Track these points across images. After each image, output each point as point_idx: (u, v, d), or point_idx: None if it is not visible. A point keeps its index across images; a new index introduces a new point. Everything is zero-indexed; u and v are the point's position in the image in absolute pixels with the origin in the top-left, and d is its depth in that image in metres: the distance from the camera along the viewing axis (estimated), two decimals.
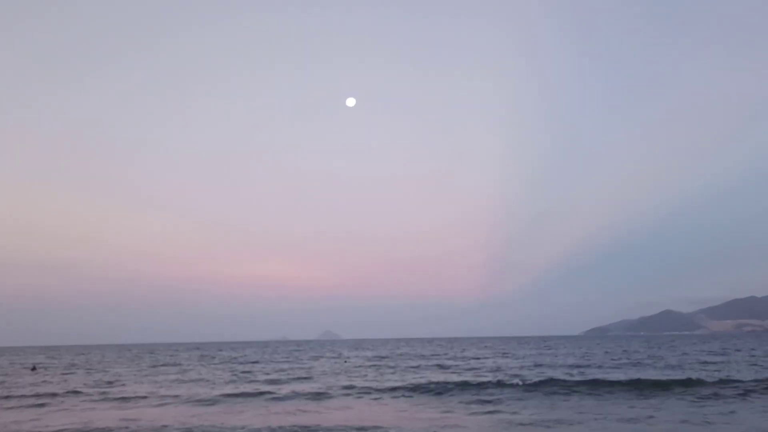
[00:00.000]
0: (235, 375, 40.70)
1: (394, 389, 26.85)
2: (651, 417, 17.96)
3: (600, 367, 40.04)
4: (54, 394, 29.41)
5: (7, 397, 28.28)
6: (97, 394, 28.92)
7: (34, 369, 59.90)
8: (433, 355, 69.99)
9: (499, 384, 27.88)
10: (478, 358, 58.03)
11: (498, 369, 39.82)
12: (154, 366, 56.96)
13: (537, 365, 42.92)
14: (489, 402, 22.38)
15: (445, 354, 72.06)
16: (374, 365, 48.86)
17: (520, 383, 27.56)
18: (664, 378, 28.62)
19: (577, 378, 30.03)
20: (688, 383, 26.34)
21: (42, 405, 24.75)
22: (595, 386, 25.99)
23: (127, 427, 17.40)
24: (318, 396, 25.18)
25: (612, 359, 49.62)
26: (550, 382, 27.68)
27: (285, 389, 28.42)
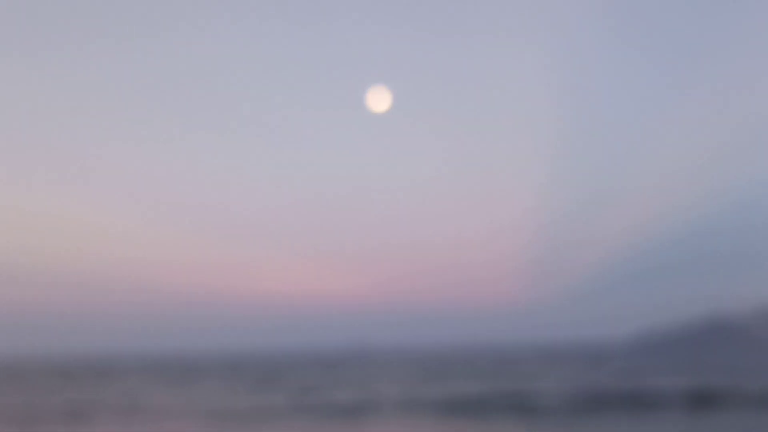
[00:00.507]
0: (262, 386, 40.04)
1: (429, 403, 25.51)
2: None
3: (649, 374, 38.17)
4: (81, 404, 29.05)
5: (33, 409, 27.92)
6: (121, 405, 28.37)
7: (61, 377, 60.29)
8: (471, 362, 68.38)
9: (544, 395, 26.38)
10: (517, 363, 56.41)
11: (543, 377, 38.27)
12: (181, 376, 56.71)
13: (583, 374, 41.23)
14: (534, 415, 20.90)
15: (485, 361, 70.57)
16: (409, 376, 47.61)
17: (566, 395, 26.02)
18: (723, 386, 26.86)
19: (628, 387, 28.35)
20: (747, 393, 24.60)
21: (70, 416, 24.26)
22: (648, 398, 24.35)
23: None
24: (347, 410, 24.09)
25: (663, 367, 47.47)
26: (600, 393, 26.08)
27: (313, 402, 27.49)
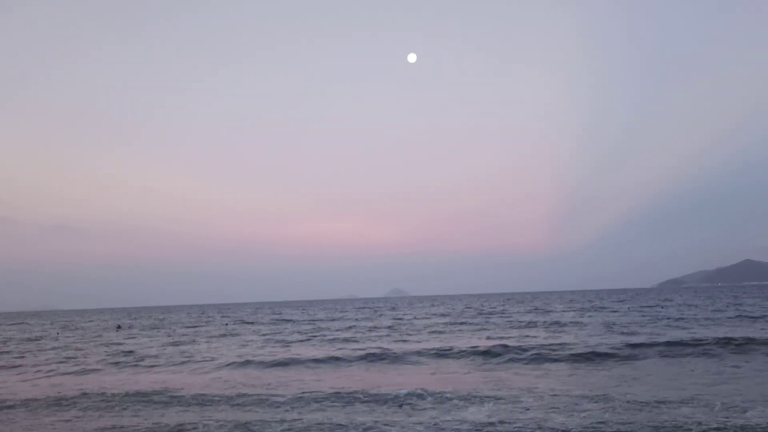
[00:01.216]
0: (302, 335, 41.02)
1: (462, 351, 25.47)
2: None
3: (669, 321, 37.83)
4: (131, 352, 30.65)
5: (86, 356, 29.45)
6: (168, 353, 29.67)
7: (119, 328, 63.00)
8: (502, 311, 68.91)
9: (583, 342, 26.49)
10: (550, 312, 56.62)
11: (578, 323, 38.38)
12: (225, 324, 58.62)
13: (611, 323, 41.00)
14: (580, 364, 21.10)
15: (516, 310, 70.85)
16: (443, 323, 48.28)
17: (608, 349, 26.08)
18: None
19: (658, 339, 28.26)
20: None
21: (120, 363, 25.58)
22: (671, 347, 24.02)
23: (203, 393, 17.31)
24: (379, 357, 24.39)
25: (686, 314, 47.01)
26: (636, 343, 25.98)
27: (351, 350, 28.10)
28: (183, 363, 25.14)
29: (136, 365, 25.23)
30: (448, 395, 14.64)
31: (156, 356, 28.56)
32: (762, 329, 29.78)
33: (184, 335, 45.02)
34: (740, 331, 28.32)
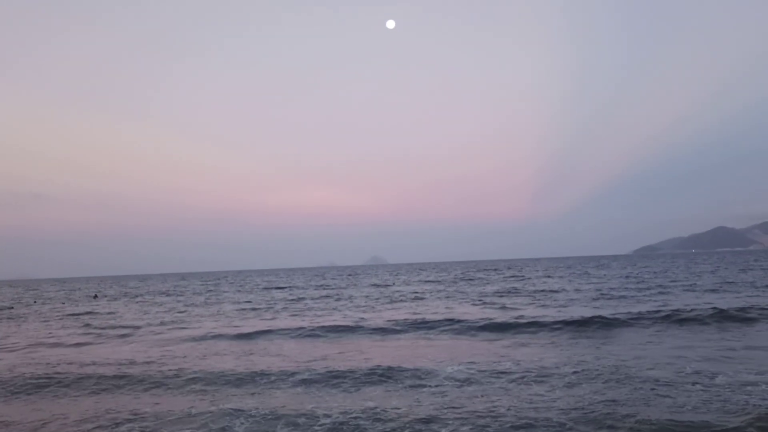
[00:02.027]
0: (281, 303, 40.95)
1: (441, 320, 25.18)
2: None
3: (661, 291, 38.43)
4: (107, 322, 30.34)
5: (83, 326, 29.10)
6: (145, 323, 29.43)
7: (95, 297, 62.54)
8: (481, 278, 69.44)
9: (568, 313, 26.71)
10: (529, 279, 57.12)
11: (557, 291, 38.77)
12: (203, 293, 58.36)
13: (590, 291, 41.57)
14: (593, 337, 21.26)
15: (496, 278, 71.48)
16: (423, 290, 48.50)
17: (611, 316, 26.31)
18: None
19: (638, 307, 28.66)
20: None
21: (94, 333, 25.34)
22: (649, 315, 24.40)
23: (178, 368, 17.18)
24: (358, 329, 24.19)
25: (665, 281, 47.78)
26: (616, 311, 26.29)
27: (331, 321, 28.09)
28: (159, 333, 24.81)
29: (110, 335, 24.90)
30: (427, 366, 14.59)
31: (132, 327, 28.17)
32: (737, 297, 30.18)
33: (161, 304, 44.69)
34: (719, 300, 28.71)
